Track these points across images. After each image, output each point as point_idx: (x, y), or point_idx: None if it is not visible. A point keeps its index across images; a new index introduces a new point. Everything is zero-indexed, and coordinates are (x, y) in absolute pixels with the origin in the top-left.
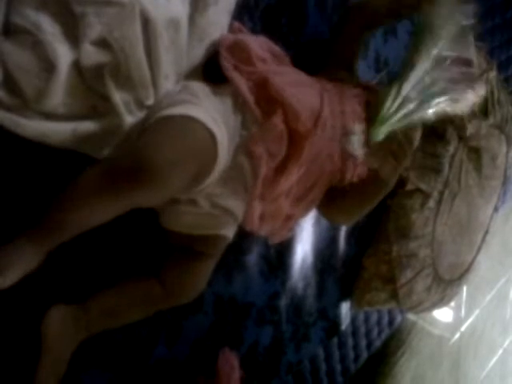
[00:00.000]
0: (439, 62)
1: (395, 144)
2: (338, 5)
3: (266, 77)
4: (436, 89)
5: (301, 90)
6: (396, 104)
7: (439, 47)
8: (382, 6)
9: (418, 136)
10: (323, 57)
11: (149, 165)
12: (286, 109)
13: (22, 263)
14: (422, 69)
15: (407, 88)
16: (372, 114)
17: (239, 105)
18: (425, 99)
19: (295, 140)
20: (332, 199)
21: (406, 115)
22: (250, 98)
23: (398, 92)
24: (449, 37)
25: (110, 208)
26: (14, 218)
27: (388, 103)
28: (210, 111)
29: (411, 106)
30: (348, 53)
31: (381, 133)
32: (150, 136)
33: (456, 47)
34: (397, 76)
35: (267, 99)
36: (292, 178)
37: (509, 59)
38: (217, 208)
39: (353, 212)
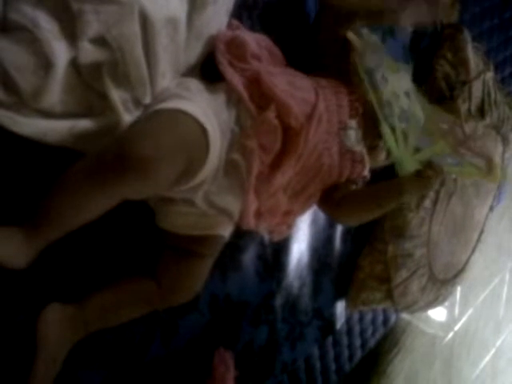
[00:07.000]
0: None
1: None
2: None
3: (259, 73)
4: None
5: (294, 86)
6: (399, 142)
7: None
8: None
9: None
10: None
11: (134, 153)
12: (278, 104)
13: (6, 253)
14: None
15: (396, 121)
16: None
17: (233, 101)
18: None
19: (290, 135)
20: (340, 201)
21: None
22: (244, 92)
23: (393, 131)
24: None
25: (97, 200)
26: (10, 217)
27: (393, 146)
28: (202, 106)
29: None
30: (332, 50)
31: (409, 169)
32: (138, 127)
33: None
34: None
35: (260, 95)
36: (289, 173)
37: (506, 60)
38: (214, 208)
39: (361, 215)
